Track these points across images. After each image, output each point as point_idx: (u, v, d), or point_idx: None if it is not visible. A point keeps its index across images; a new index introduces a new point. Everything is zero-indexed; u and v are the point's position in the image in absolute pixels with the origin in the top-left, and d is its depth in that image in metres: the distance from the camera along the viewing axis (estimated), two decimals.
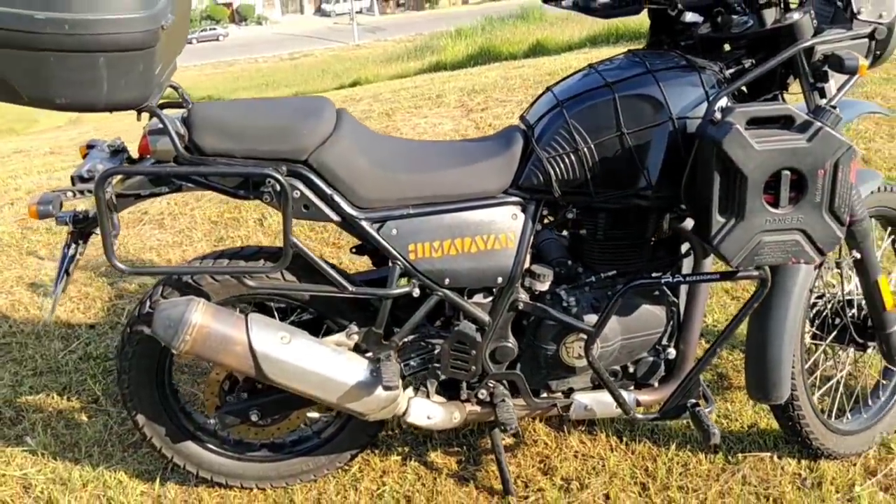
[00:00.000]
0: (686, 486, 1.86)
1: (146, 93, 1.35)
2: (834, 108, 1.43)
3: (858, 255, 1.78)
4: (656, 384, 1.78)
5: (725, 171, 1.40)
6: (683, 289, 1.73)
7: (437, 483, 1.89)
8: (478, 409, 1.74)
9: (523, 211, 1.61)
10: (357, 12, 47.01)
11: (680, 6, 1.55)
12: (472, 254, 1.59)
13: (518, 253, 1.60)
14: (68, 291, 2.75)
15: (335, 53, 33.68)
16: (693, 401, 1.73)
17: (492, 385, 1.72)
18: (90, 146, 1.59)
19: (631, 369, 1.76)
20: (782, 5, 1.52)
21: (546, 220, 1.69)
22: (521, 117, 1.68)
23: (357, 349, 1.66)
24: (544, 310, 1.64)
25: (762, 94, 1.61)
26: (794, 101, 1.60)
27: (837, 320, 1.92)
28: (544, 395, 1.76)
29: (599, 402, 1.75)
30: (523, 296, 1.65)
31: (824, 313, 1.92)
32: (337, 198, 1.53)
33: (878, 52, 1.57)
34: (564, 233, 1.75)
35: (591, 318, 1.64)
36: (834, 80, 1.52)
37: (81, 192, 1.46)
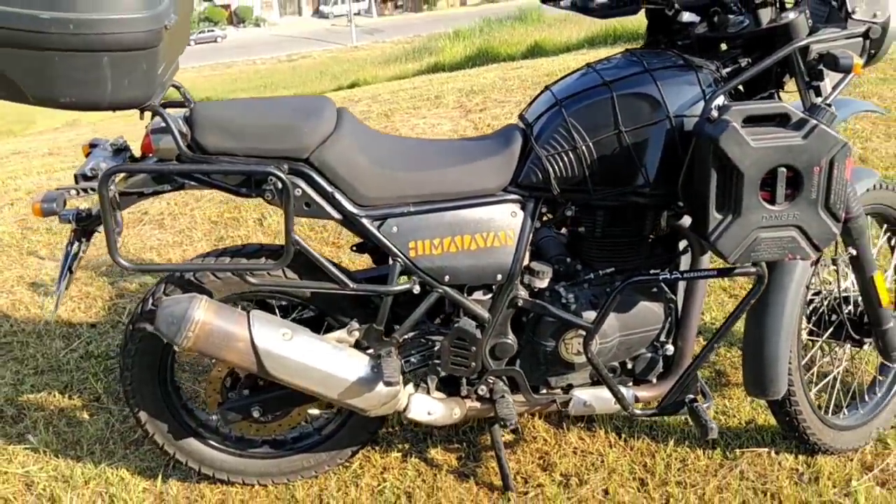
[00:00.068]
0: (684, 481, 1.88)
1: (149, 92, 1.36)
2: (829, 106, 1.45)
3: (854, 252, 1.79)
4: (654, 380, 1.79)
5: (722, 169, 1.41)
6: (681, 286, 1.75)
7: (438, 479, 1.90)
8: (478, 405, 1.76)
9: (522, 209, 1.62)
10: (355, 14, 47.03)
11: (677, 6, 1.57)
12: (472, 251, 1.61)
13: (517, 250, 1.62)
14: (69, 291, 2.76)
15: (333, 55, 33.70)
16: (691, 396, 1.75)
17: (491, 381, 1.73)
18: (93, 145, 1.60)
19: (629, 365, 1.77)
20: (778, 5, 1.54)
21: (545, 218, 1.70)
22: (520, 116, 1.70)
23: (358, 346, 1.68)
24: (543, 306, 1.66)
25: (758, 92, 1.62)
26: (789, 99, 1.61)
27: (834, 317, 1.94)
28: (544, 391, 1.78)
29: (598, 399, 1.76)
30: (523, 293, 1.66)
31: (821, 310, 1.94)
32: (338, 196, 1.54)
33: (872, 51, 1.59)
34: (563, 230, 1.77)
35: (590, 315, 1.66)
36: (829, 79, 1.54)
37: (85, 191, 1.48)
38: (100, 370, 2.37)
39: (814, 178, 1.41)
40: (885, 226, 2.00)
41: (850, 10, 1.54)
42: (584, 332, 1.65)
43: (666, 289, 1.71)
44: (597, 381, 1.77)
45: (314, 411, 1.84)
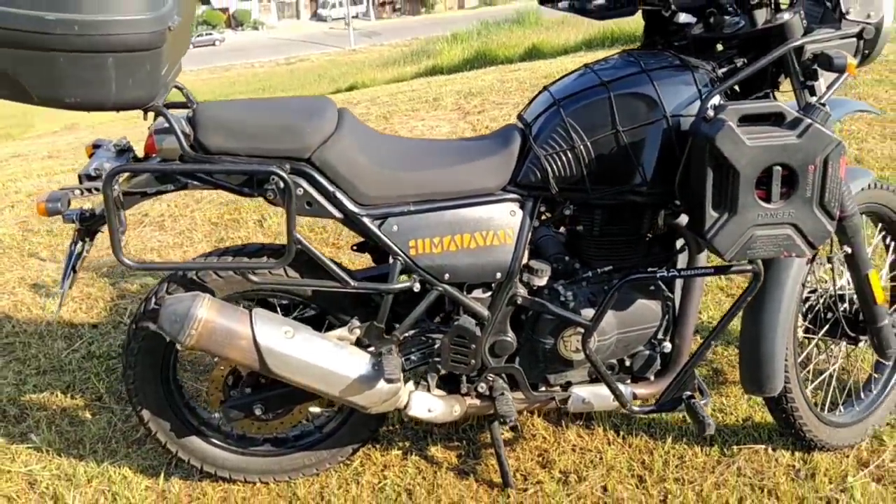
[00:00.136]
0: (682, 478, 1.89)
1: (153, 92, 1.38)
2: (823, 105, 1.47)
3: (849, 251, 1.81)
4: (652, 377, 1.81)
5: (718, 167, 1.43)
6: (678, 284, 1.77)
7: (438, 476, 1.92)
8: (477, 402, 1.77)
9: (521, 207, 1.64)
10: (353, 17, 47.07)
11: (673, 7, 1.59)
12: (472, 249, 1.63)
13: (516, 249, 1.63)
14: (71, 291, 2.78)
15: (331, 58, 33.72)
16: (688, 393, 1.77)
17: (491, 379, 1.75)
18: (96, 146, 1.62)
19: (627, 363, 1.79)
20: (773, 6, 1.56)
21: (544, 217, 1.72)
22: (519, 116, 1.71)
23: (359, 344, 1.70)
24: (542, 304, 1.68)
25: (754, 92, 1.65)
26: (785, 99, 1.64)
27: (829, 314, 1.96)
28: (543, 388, 1.79)
29: (597, 396, 1.78)
30: (522, 291, 1.68)
31: (817, 308, 1.96)
32: (339, 195, 1.56)
33: (866, 52, 1.61)
34: (562, 229, 1.79)
35: (589, 313, 1.67)
36: (823, 79, 1.56)
37: (89, 191, 1.49)
38: (102, 370, 2.38)
39: (808, 177, 1.43)
40: (880, 224, 2.02)
41: (843, 10, 1.56)
42: (582, 330, 1.67)
43: (663, 287, 1.73)
44: (595, 378, 1.79)
45: (315, 409, 1.86)
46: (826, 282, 1.97)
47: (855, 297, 1.90)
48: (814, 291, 1.96)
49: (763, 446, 1.98)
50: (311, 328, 1.64)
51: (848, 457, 1.94)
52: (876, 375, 2.07)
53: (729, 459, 1.94)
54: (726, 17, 1.57)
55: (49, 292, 2.89)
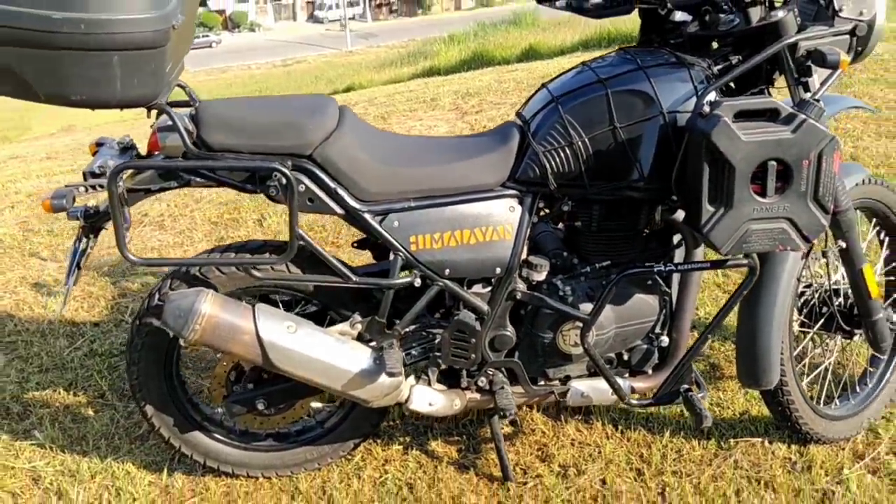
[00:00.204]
0: (680, 471, 1.92)
1: (157, 90, 1.39)
2: (817, 101, 1.49)
3: (844, 245, 1.84)
4: (650, 371, 1.83)
5: (714, 162, 1.45)
6: (676, 279, 1.79)
7: (439, 471, 1.94)
8: (477, 396, 1.79)
9: (520, 203, 1.66)
10: (350, 18, 47.08)
11: (669, 5, 1.61)
12: (472, 245, 1.65)
13: (515, 244, 1.66)
14: (74, 289, 2.79)
15: (328, 60, 33.71)
16: (686, 387, 1.79)
17: (491, 373, 1.77)
18: (99, 143, 1.63)
19: (626, 357, 1.81)
20: (767, 4, 1.59)
21: (542, 213, 1.75)
22: (518, 113, 1.74)
23: (360, 339, 1.71)
24: (541, 299, 1.70)
25: (749, 88, 1.67)
26: (779, 96, 1.66)
27: (825, 309, 1.98)
28: (542, 382, 1.81)
29: (595, 389, 1.80)
30: (521, 286, 1.70)
31: (812, 302, 1.98)
32: (340, 191, 1.58)
33: (859, 48, 1.64)
34: (560, 225, 1.81)
35: (587, 307, 1.70)
36: (817, 75, 1.59)
37: (93, 187, 1.51)
38: (104, 368, 2.40)
39: (803, 172, 1.46)
40: (874, 220, 2.05)
41: (836, 8, 1.59)
42: (581, 324, 1.69)
43: (660, 281, 1.75)
44: (594, 372, 1.81)
45: (317, 405, 1.88)
46: (821, 276, 2.00)
47: (850, 291, 1.92)
48: (809, 286, 1.98)
49: (760, 439, 2.00)
50: (313, 323, 1.66)
51: (844, 449, 1.96)
52: (871, 369, 2.09)
53: (726, 452, 1.97)
54: (721, 15, 1.60)
55: (50, 291, 2.91)
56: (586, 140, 1.58)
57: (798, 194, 1.47)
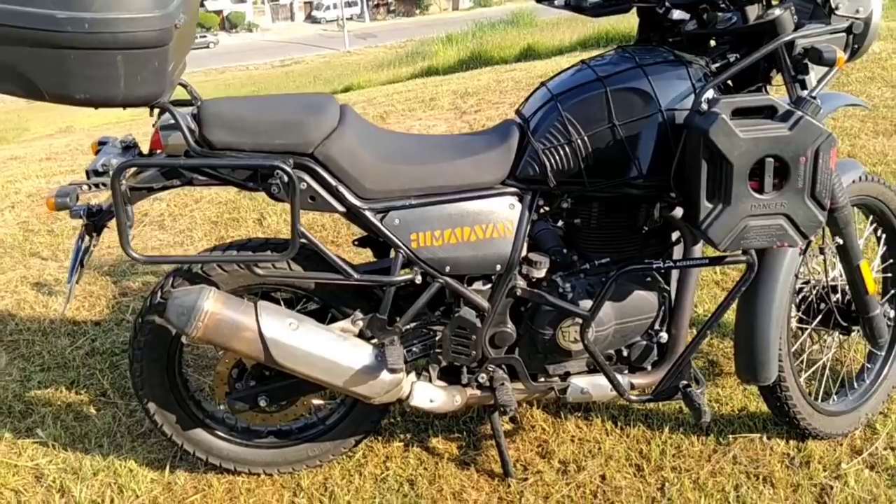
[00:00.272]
0: (679, 466, 1.93)
1: (160, 89, 1.41)
2: (814, 98, 1.50)
3: (841, 242, 1.85)
4: (649, 367, 1.84)
5: (712, 159, 1.47)
6: (674, 275, 1.80)
7: (439, 467, 1.95)
8: (478, 392, 1.81)
9: (520, 201, 1.67)
10: (347, 19, 47.09)
11: (667, 4, 1.63)
12: (472, 242, 1.66)
13: (515, 241, 1.67)
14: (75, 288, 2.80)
15: (326, 60, 33.72)
16: (685, 382, 1.80)
17: (491, 369, 1.78)
18: (102, 142, 1.64)
19: (625, 353, 1.82)
20: (764, 2, 1.60)
21: (542, 210, 1.76)
22: (517, 111, 1.75)
23: (361, 336, 1.73)
24: (541, 296, 1.71)
25: (746, 86, 1.69)
26: (777, 93, 1.67)
27: (822, 305, 2.00)
28: (542, 378, 1.83)
29: (595, 385, 1.81)
30: (521, 283, 1.71)
31: (810, 299, 2.00)
32: (342, 189, 1.59)
33: (855, 46, 1.65)
34: (560, 223, 1.82)
35: (587, 304, 1.71)
36: (814, 73, 1.60)
37: (97, 186, 1.52)
38: (105, 366, 2.41)
39: (800, 168, 1.47)
40: (871, 216, 2.06)
41: (833, 6, 1.60)
42: (580, 321, 1.70)
43: (659, 278, 1.77)
44: (594, 368, 1.82)
45: (318, 402, 1.89)
46: (819, 273, 2.01)
47: (847, 287, 1.94)
48: (807, 283, 2.00)
49: (758, 435, 2.01)
50: (314, 320, 1.67)
51: (842, 445, 1.97)
52: (868, 365, 2.11)
53: (725, 448, 1.98)
54: (719, 14, 1.61)
55: (51, 291, 2.91)
56: (585, 138, 1.60)
57: (795, 191, 1.49)
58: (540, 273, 1.71)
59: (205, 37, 46.03)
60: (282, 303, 1.78)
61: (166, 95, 1.45)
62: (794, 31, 1.59)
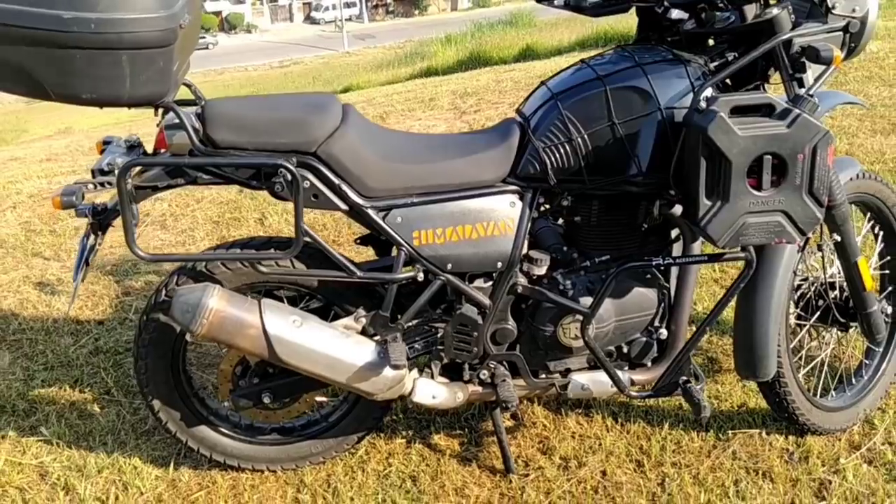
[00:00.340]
0: (679, 462, 1.95)
1: (165, 89, 1.42)
2: (812, 96, 1.52)
3: (839, 238, 1.87)
4: (649, 363, 1.86)
5: (711, 157, 1.48)
6: (674, 272, 1.82)
7: (441, 463, 1.97)
8: (480, 389, 1.82)
9: (521, 199, 1.69)
10: (346, 20, 47.08)
11: (666, 3, 1.65)
12: (473, 240, 1.68)
13: (516, 239, 1.68)
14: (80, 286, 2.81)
15: (325, 61, 33.74)
16: (684, 378, 1.82)
17: (493, 366, 1.80)
18: (106, 142, 1.66)
19: (625, 349, 1.84)
20: (762, 1, 1.62)
21: (543, 208, 1.77)
22: (517, 110, 1.77)
23: (364, 333, 1.74)
24: (542, 293, 1.73)
25: (744, 84, 1.70)
26: (774, 92, 1.69)
27: (821, 302, 2.01)
28: (543, 375, 1.84)
29: (596, 382, 1.83)
30: (522, 280, 1.73)
31: (808, 295, 2.01)
32: (344, 187, 1.61)
33: (852, 45, 1.67)
34: (560, 220, 1.84)
35: (587, 301, 1.73)
36: (811, 71, 1.62)
37: (102, 185, 1.54)
38: (109, 365, 2.42)
39: (798, 165, 1.49)
40: (868, 214, 2.08)
41: (830, 5, 1.62)
42: (581, 318, 1.72)
43: (659, 275, 1.78)
44: (594, 365, 1.84)
45: (321, 399, 1.91)
46: (817, 270, 2.03)
47: (845, 284, 1.96)
48: (805, 279, 2.01)
49: (757, 431, 2.03)
50: (318, 318, 1.68)
51: (840, 440, 1.99)
52: (866, 362, 2.12)
53: (724, 444, 2.00)
54: (717, 13, 1.63)
55: (54, 290, 2.93)
56: (585, 136, 1.61)
57: (793, 188, 1.51)
58: (540, 270, 1.72)
59: (204, 38, 46.01)
60: (285, 301, 1.80)
61: (171, 95, 1.47)
62: (792, 29, 1.61)
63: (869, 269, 1.92)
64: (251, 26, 53.68)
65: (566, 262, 1.77)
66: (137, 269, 3.04)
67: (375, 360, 1.66)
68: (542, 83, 1.74)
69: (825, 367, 2.09)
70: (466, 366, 1.81)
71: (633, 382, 1.85)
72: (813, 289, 2.01)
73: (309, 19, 56.99)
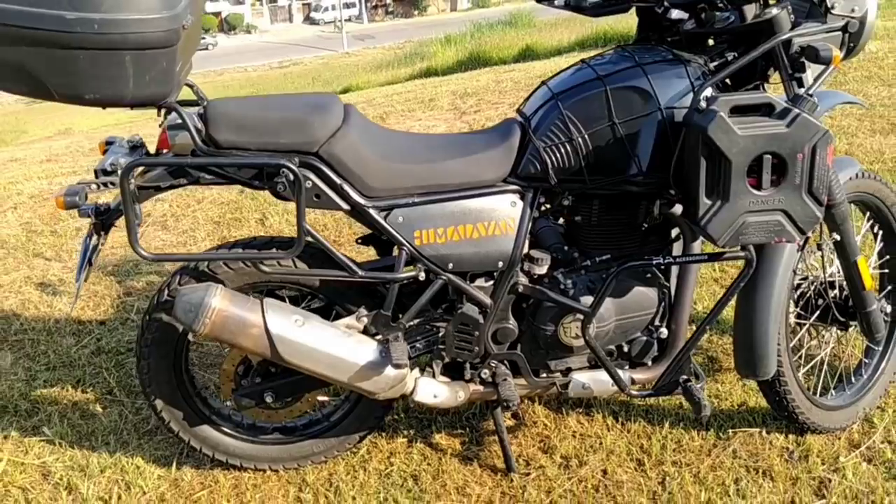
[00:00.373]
0: (680, 460, 1.95)
1: (168, 89, 1.43)
2: (811, 96, 1.53)
3: (838, 238, 1.87)
4: (650, 362, 1.87)
5: (711, 156, 1.49)
6: (674, 271, 1.83)
7: (443, 462, 1.97)
8: (481, 388, 1.83)
9: (522, 199, 1.70)
10: (346, 20, 47.09)
11: (666, 3, 1.66)
12: (474, 239, 1.68)
13: (517, 238, 1.69)
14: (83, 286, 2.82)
15: (325, 61, 33.75)
16: (685, 377, 1.83)
17: (494, 365, 1.81)
18: (109, 142, 1.66)
19: (626, 348, 1.85)
20: (762, 1, 1.63)
21: (543, 208, 1.78)
22: (518, 110, 1.77)
23: (366, 332, 1.75)
24: (543, 292, 1.73)
25: (744, 84, 1.71)
26: (774, 91, 1.70)
27: (820, 301, 2.02)
28: (544, 374, 1.85)
29: (596, 381, 1.84)
30: (523, 279, 1.74)
31: (808, 294, 2.02)
32: (346, 187, 1.61)
33: (851, 44, 1.68)
34: (561, 220, 1.85)
35: (588, 300, 1.73)
36: (811, 71, 1.62)
37: (105, 185, 1.54)
38: (111, 365, 2.43)
39: (797, 165, 1.49)
40: (868, 213, 2.09)
41: (829, 5, 1.63)
42: (581, 317, 1.73)
43: (659, 274, 1.79)
44: (595, 364, 1.85)
45: (323, 398, 1.91)
46: (817, 269, 2.03)
47: (844, 283, 1.96)
48: (805, 279, 2.02)
49: (757, 430, 2.04)
50: (320, 317, 1.69)
51: (840, 439, 2.00)
52: (866, 360, 2.13)
53: (724, 442, 2.00)
54: (717, 13, 1.64)
55: (55, 291, 2.93)
56: (586, 136, 1.62)
57: (793, 187, 1.51)
58: (541, 270, 1.73)
59: (203, 38, 45.94)
60: (287, 300, 1.80)
61: (173, 95, 1.48)
62: (791, 29, 1.62)
63: (868, 269, 1.92)
64: (251, 27, 53.70)
65: (567, 262, 1.77)
66: (139, 269, 3.05)
67: (377, 359, 1.67)
68: (543, 83, 1.75)
69: (825, 366, 2.09)
70: (468, 365, 1.81)
71: (633, 381, 1.85)
72: (812, 288, 2.02)
73: (308, 20, 57.00)
